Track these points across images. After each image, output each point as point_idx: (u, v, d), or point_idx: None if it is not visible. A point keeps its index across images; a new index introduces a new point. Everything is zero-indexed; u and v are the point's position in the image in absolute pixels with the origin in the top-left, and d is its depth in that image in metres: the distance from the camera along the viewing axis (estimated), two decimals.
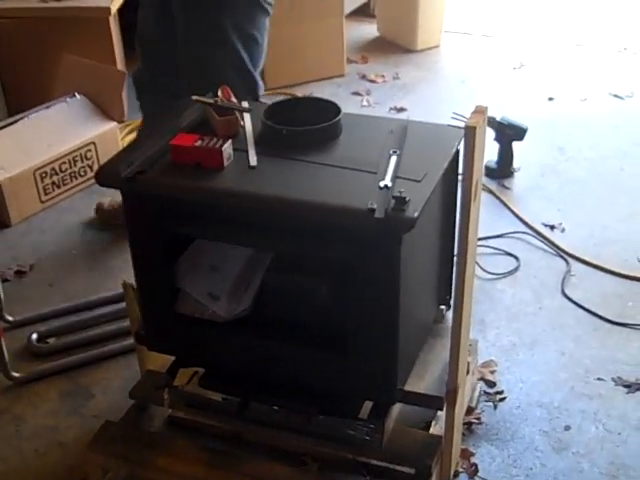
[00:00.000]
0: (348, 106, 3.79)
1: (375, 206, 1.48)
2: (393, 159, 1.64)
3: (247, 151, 1.70)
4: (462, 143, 1.52)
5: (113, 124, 3.26)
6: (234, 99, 1.87)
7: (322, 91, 3.90)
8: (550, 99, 3.80)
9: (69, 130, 3.17)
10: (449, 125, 1.79)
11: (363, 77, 4.08)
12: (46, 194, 3.07)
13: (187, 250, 1.83)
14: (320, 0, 3.92)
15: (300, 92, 3.87)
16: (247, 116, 1.81)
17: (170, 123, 1.82)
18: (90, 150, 3.17)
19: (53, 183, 3.09)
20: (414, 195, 1.51)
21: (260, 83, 2.49)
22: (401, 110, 3.68)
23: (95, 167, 3.18)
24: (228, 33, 2.34)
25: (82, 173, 3.17)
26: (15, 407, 2.18)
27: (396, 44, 4.41)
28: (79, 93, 3.27)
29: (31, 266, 2.76)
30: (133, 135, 3.32)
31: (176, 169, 1.67)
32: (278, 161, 1.68)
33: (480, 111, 1.54)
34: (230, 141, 1.68)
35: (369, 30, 4.60)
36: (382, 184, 1.55)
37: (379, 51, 4.39)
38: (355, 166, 1.64)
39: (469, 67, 4.21)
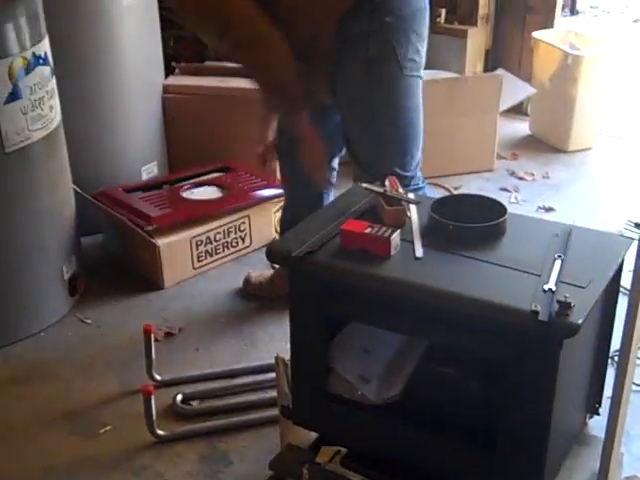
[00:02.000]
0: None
1: (539, 308, 1.50)
2: (557, 263, 1.66)
3: (413, 242, 1.75)
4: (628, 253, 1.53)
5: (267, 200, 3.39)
6: (401, 190, 1.94)
7: (470, 184, 3.95)
8: None
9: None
10: (619, 234, 1.80)
11: (512, 174, 4.11)
12: (199, 261, 3.21)
13: (342, 331, 1.88)
14: (477, 96, 4.00)
15: (448, 183, 3.93)
16: (414, 208, 1.87)
17: (341, 206, 1.90)
18: (244, 222, 3.30)
19: (207, 251, 3.22)
20: (578, 301, 1.52)
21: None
22: (549, 210, 3.68)
23: (247, 239, 3.31)
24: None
25: (234, 244, 3.30)
26: (157, 464, 2.27)
27: (547, 144, 4.43)
28: None
29: (180, 329, 2.88)
30: None
31: (344, 253, 1.74)
32: (443, 254, 1.73)
33: None
34: (399, 231, 1.74)
35: (521, 128, 4.63)
36: (546, 287, 1.57)
37: (530, 149, 4.41)
38: (519, 267, 1.67)
39: (621, 171, 4.17)
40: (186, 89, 3.77)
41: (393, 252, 1.72)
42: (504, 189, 3.93)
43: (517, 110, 4.69)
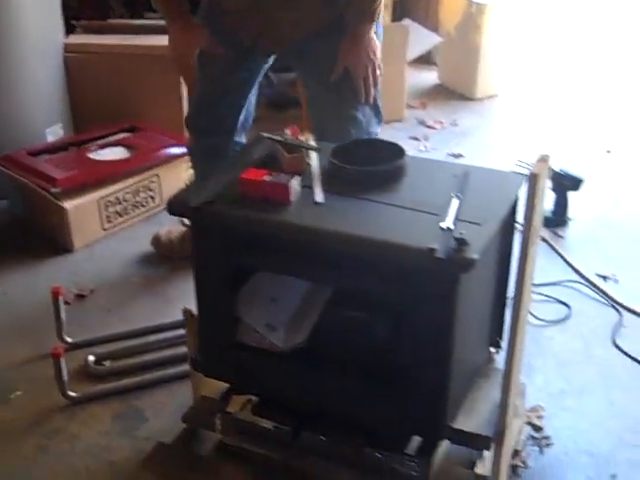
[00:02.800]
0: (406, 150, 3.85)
1: (436, 246, 1.53)
2: (455, 202, 1.69)
3: (313, 188, 1.76)
4: (522, 190, 1.57)
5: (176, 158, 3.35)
6: (302, 137, 1.94)
7: (380, 134, 3.95)
8: (608, 152, 3.82)
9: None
10: (512, 172, 1.84)
11: (421, 123, 4.15)
12: (109, 222, 3.17)
13: (249, 281, 1.89)
14: (384, 46, 4.00)
15: None
16: (314, 154, 1.88)
17: (240, 158, 1.90)
18: (154, 181, 3.27)
19: (116, 212, 3.18)
20: (475, 237, 1.56)
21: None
22: (458, 156, 3.73)
23: (157, 198, 3.28)
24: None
25: (144, 203, 3.26)
26: (70, 426, 2.24)
27: (455, 92, 4.49)
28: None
29: (91, 291, 2.84)
30: None
31: (244, 202, 1.74)
32: (343, 199, 1.74)
33: (543, 159, 1.58)
34: (297, 177, 1.74)
35: (430, 77, 4.68)
36: (444, 226, 1.60)
37: (438, 98, 4.47)
38: (417, 207, 1.70)
39: (527, 117, 4.26)
40: (88, 48, 3.67)
41: (293, 198, 1.72)
42: (414, 138, 3.97)
43: (425, 60, 4.74)
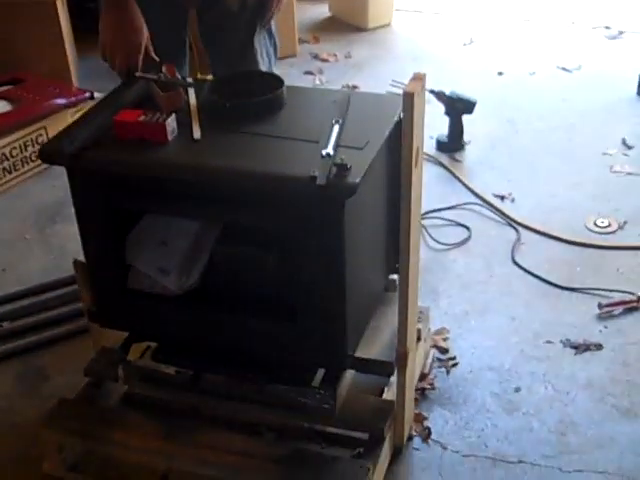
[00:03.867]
0: (301, 85, 3.81)
1: (317, 173, 1.51)
2: (335, 128, 1.66)
3: (191, 125, 1.71)
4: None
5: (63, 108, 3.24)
6: (178, 75, 1.88)
7: (275, 70, 3.90)
8: (500, 74, 3.84)
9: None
10: (388, 93, 1.82)
11: (315, 57, 4.10)
12: None
13: (136, 226, 1.83)
14: None
15: None
16: (191, 91, 1.82)
17: (114, 100, 1.83)
18: (41, 134, 3.16)
19: (4, 169, 3.06)
20: (356, 162, 1.53)
21: None
22: (354, 88, 3.70)
23: None
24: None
25: (34, 158, 3.15)
26: None
27: (348, 23, 4.43)
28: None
29: None
30: None
31: (120, 145, 1.67)
32: (222, 134, 1.70)
33: (418, 78, 1.57)
34: (174, 115, 1.69)
35: (321, 10, 4.61)
36: (324, 152, 1.57)
37: (331, 31, 4.41)
38: (298, 136, 1.66)
39: (420, 44, 4.25)
40: None
41: (170, 137, 1.67)
42: (308, 72, 3.92)
43: None
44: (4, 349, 2.30)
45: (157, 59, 1.91)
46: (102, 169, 1.68)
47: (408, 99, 1.51)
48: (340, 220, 1.56)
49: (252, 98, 1.76)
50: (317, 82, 3.80)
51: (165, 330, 1.85)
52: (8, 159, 3.07)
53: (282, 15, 3.90)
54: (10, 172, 3.09)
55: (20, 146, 3.10)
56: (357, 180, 1.50)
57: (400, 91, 1.58)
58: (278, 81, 1.82)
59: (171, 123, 1.67)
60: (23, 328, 2.39)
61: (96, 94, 3.39)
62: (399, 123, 1.75)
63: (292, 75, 3.87)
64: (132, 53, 1.86)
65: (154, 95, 1.80)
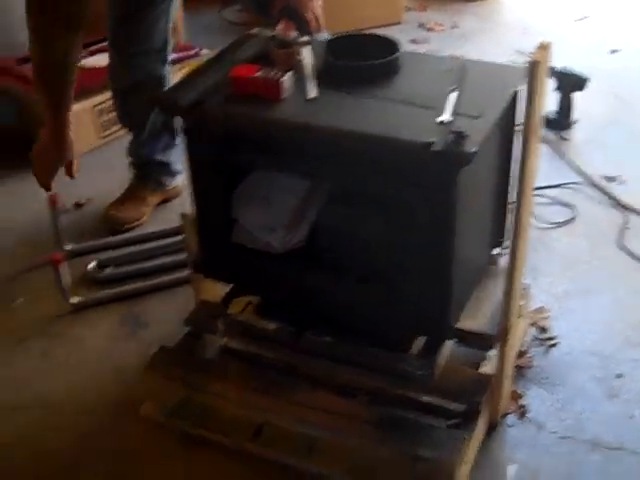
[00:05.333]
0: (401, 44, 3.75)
1: (433, 140, 1.49)
2: (452, 96, 1.63)
3: (306, 84, 1.70)
4: (521, 83, 1.51)
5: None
6: (294, 33, 1.87)
7: None
8: (613, 51, 3.72)
9: None
10: (511, 65, 1.77)
11: (421, 25, 4.05)
12: (104, 130, 3.12)
13: (244, 182, 1.85)
14: None
15: None
16: (306, 50, 1.81)
17: (230, 55, 1.84)
18: None
19: (111, 120, 3.12)
20: (472, 131, 1.50)
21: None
22: None
23: None
24: None
25: None
26: (73, 331, 2.25)
27: None
28: None
29: (88, 199, 2.81)
30: None
31: (235, 99, 1.68)
32: (336, 94, 1.68)
33: (544, 47, 1.52)
34: (289, 73, 1.69)
35: None
36: (440, 119, 1.55)
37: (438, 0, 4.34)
38: (413, 102, 1.64)
39: (530, 18, 4.14)
40: None
41: (285, 95, 1.67)
42: (413, 41, 3.87)
43: None
44: (107, 294, 2.37)
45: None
46: (215, 123, 1.69)
47: (534, 67, 1.47)
48: (453, 188, 1.54)
49: (369, 60, 1.74)
50: (422, 51, 3.74)
51: (268, 286, 1.87)
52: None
53: None
54: (117, 124, 3.13)
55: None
56: (474, 149, 1.47)
57: (521, 61, 1.54)
58: (394, 45, 1.79)
59: (287, 81, 1.67)
60: (126, 274, 2.45)
61: (204, 50, 3.43)
62: (515, 95, 1.73)
63: None
64: (52, 170, 2.27)
65: (270, 52, 1.80)
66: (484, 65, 1.81)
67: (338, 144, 1.58)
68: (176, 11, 2.46)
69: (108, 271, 2.47)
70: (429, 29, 4.01)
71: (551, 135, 3.05)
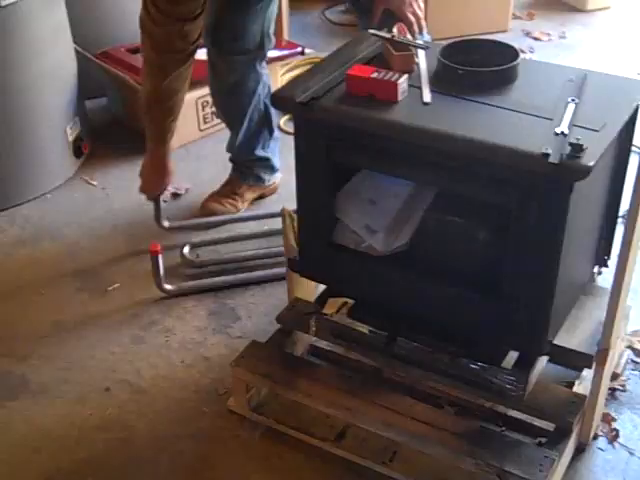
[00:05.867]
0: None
1: (550, 151, 1.46)
2: (571, 107, 1.60)
3: (421, 87, 1.69)
4: None
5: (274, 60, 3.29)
6: (409, 36, 1.87)
7: None
8: None
9: None
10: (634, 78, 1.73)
11: (527, 34, 3.98)
12: (205, 123, 3.16)
13: (349, 182, 1.85)
14: None
15: None
16: (422, 53, 1.80)
17: (346, 54, 1.84)
18: None
19: (213, 113, 3.15)
20: (591, 144, 1.47)
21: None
22: None
23: None
24: None
25: None
26: (166, 319, 2.28)
27: (565, 2, 4.27)
28: None
29: (187, 189, 2.85)
30: (293, 73, 3.35)
31: (350, 99, 1.68)
32: (452, 100, 1.67)
33: None
34: (406, 76, 1.68)
35: None
36: (558, 130, 1.52)
37: (546, 9, 4.26)
38: (531, 111, 1.61)
39: (639, 31, 4.03)
40: None
41: (400, 97, 1.66)
42: (519, 50, 3.79)
43: None
44: (201, 283, 2.40)
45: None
46: (329, 121, 1.69)
47: None
48: (566, 202, 1.51)
49: (486, 67, 1.72)
50: None
51: (365, 288, 1.86)
52: None
53: None
54: (218, 116, 3.17)
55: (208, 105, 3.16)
56: (592, 163, 1.44)
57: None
58: (513, 52, 1.77)
59: (402, 83, 1.66)
60: (218, 262, 2.49)
61: (307, 50, 3.44)
62: (636, 109, 1.68)
63: None
64: (158, 190, 2.50)
65: (386, 54, 1.80)
66: (605, 77, 1.77)
67: (452, 150, 1.56)
68: (273, 14, 2.48)
69: (203, 258, 2.50)
70: (535, 38, 3.94)
71: None
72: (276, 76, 3.28)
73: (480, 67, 1.72)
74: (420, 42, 1.84)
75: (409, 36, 1.88)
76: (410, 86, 1.69)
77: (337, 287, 1.94)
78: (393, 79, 1.65)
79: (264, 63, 2.61)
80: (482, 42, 1.85)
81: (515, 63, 1.72)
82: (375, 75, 1.67)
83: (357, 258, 1.81)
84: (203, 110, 3.13)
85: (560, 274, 1.60)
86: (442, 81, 1.71)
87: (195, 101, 3.09)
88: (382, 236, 1.79)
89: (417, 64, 1.77)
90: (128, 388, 2.06)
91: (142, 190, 2.50)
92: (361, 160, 1.74)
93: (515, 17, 4.09)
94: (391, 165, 1.69)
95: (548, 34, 3.97)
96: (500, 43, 1.82)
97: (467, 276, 1.72)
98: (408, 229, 1.77)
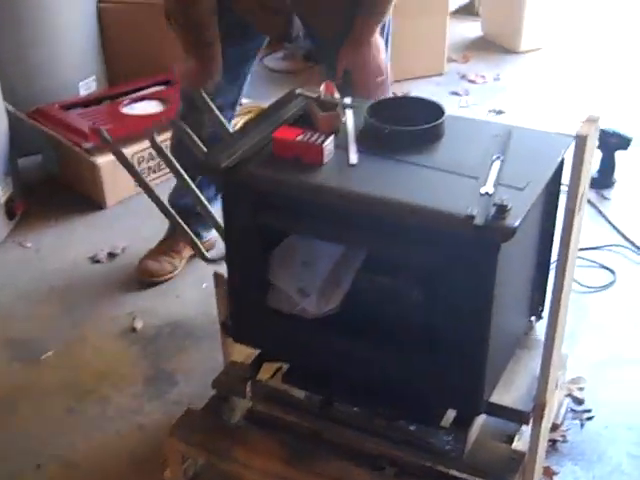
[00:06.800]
0: (446, 106, 3.72)
1: (475, 212, 1.45)
2: (496, 165, 1.60)
3: (348, 148, 1.68)
4: (568, 152, 1.48)
5: None
6: (337, 95, 1.86)
7: (420, 90, 3.85)
8: None
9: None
10: (558, 133, 1.73)
11: (463, 77, 4.02)
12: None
13: (281, 244, 1.82)
14: None
15: (398, 90, 3.82)
16: (350, 113, 1.79)
17: (273, 115, 1.82)
18: None
19: (149, 168, 3.13)
20: (515, 203, 1.47)
21: None
22: (500, 112, 3.62)
23: None
24: None
25: None
26: (101, 387, 2.23)
27: (499, 44, 4.34)
28: None
29: (123, 248, 2.80)
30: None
31: (276, 162, 1.66)
32: (378, 160, 1.66)
33: (592, 120, 1.48)
34: (332, 137, 1.66)
35: (473, 29, 4.53)
36: (483, 191, 1.52)
37: (481, 51, 4.32)
38: (456, 170, 1.61)
39: (573, 71, 4.10)
40: None
41: (326, 159, 1.64)
42: (455, 93, 3.85)
43: (469, 10, 4.61)
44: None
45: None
46: (256, 185, 1.67)
47: (581, 142, 1.43)
48: (493, 263, 1.49)
49: (412, 125, 1.71)
50: (462, 103, 3.72)
51: (299, 353, 1.83)
52: (154, 158, 3.12)
53: (432, 32, 3.89)
54: (155, 172, 3.15)
55: (167, 147, 3.14)
56: (516, 224, 1.44)
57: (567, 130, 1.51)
58: (439, 109, 1.76)
59: (328, 145, 1.64)
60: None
61: (244, 100, 3.42)
62: (561, 164, 1.69)
63: (437, 95, 3.81)
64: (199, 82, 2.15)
65: (312, 114, 1.78)
66: (531, 132, 1.77)
67: (377, 213, 1.55)
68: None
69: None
70: (470, 81, 3.99)
71: (592, 193, 3.00)
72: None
73: (407, 124, 1.72)
74: (347, 101, 1.83)
75: (337, 95, 1.86)
76: (337, 147, 1.68)
77: (271, 351, 1.90)
78: (318, 142, 1.64)
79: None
80: (409, 99, 1.86)
81: (440, 121, 1.72)
82: (300, 138, 1.65)
83: (290, 321, 1.78)
84: (140, 166, 3.09)
85: (492, 333, 1.59)
86: (369, 140, 1.70)
87: (130, 157, 3.05)
88: (315, 298, 1.76)
89: (344, 123, 1.76)
90: (61, 463, 2.00)
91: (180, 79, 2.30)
92: (289, 224, 1.72)
93: (451, 60, 4.14)
94: (319, 229, 1.67)
95: (483, 76, 4.02)
96: (427, 101, 1.82)
97: (400, 337, 1.70)
98: (341, 290, 1.74)
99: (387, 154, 1.67)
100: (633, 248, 2.71)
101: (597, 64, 4.16)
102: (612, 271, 2.60)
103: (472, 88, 3.92)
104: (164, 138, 2.94)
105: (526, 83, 3.98)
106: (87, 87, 3.47)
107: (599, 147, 3.01)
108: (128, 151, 3.03)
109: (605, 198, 3.00)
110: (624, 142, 2.98)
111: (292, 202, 1.65)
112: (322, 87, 1.86)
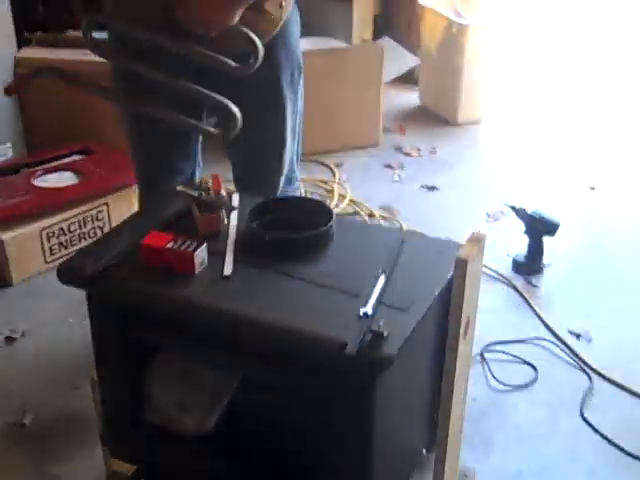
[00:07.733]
0: (379, 180, 3.67)
1: (348, 340, 1.32)
2: (380, 280, 1.47)
3: (224, 257, 1.55)
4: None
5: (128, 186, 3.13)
6: (224, 192, 1.73)
7: (354, 161, 3.77)
8: (592, 188, 3.58)
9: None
10: (452, 241, 1.61)
11: (398, 149, 3.93)
12: (52, 254, 2.96)
13: (158, 357, 1.67)
14: (359, 67, 3.79)
15: (331, 161, 3.74)
16: (233, 216, 1.67)
17: (151, 215, 1.69)
18: (102, 211, 3.06)
19: (60, 244, 2.97)
20: (395, 328, 1.35)
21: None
22: (433, 189, 3.52)
23: (106, 229, 3.06)
24: None
25: (92, 234, 3.04)
26: None
27: (437, 115, 4.26)
28: None
29: (23, 332, 2.63)
30: None
31: (145, 271, 1.53)
32: (255, 271, 1.53)
33: (476, 239, 1.37)
34: (205, 245, 1.53)
35: (411, 99, 4.46)
36: (362, 312, 1.39)
37: (419, 122, 4.24)
38: (338, 285, 1.49)
39: (508, 147, 4.02)
40: (41, 62, 3.44)
41: (198, 269, 1.51)
42: (388, 166, 3.75)
43: (407, 80, 4.54)
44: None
45: None
46: (121, 297, 1.53)
47: (461, 266, 1.31)
48: (370, 392, 1.37)
49: (297, 230, 1.59)
50: (396, 178, 3.61)
51: (175, 471, 1.68)
52: (65, 234, 2.97)
53: (367, 101, 3.80)
54: (66, 247, 2.99)
55: (79, 222, 3.01)
56: (393, 352, 1.31)
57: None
58: (327, 212, 1.65)
59: (200, 254, 1.52)
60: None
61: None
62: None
63: (372, 167, 3.73)
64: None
65: (193, 214, 1.66)
66: (424, 240, 1.67)
67: (246, 334, 1.41)
68: None
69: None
70: (406, 153, 3.89)
71: (519, 280, 2.90)
72: (131, 203, 3.11)
73: (293, 229, 1.59)
74: (232, 201, 1.70)
75: (224, 192, 1.73)
76: (214, 254, 1.55)
77: (147, 469, 1.74)
78: (190, 249, 1.51)
79: None
80: (295, 200, 1.74)
81: (327, 227, 1.60)
82: (171, 245, 1.52)
83: (165, 439, 1.63)
84: (49, 241, 2.94)
85: (376, 459, 1.46)
86: (248, 247, 1.58)
87: (39, 232, 2.90)
88: (191, 415, 1.61)
89: (226, 227, 1.64)
90: None
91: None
92: (155, 339, 1.58)
93: (387, 130, 4.04)
94: (186, 346, 1.53)
95: (418, 149, 3.93)
96: (314, 201, 1.71)
97: (279, 461, 1.56)
98: (217, 410, 1.60)
99: (266, 264, 1.54)
100: (557, 342, 2.59)
101: (535, 139, 4.10)
102: (534, 367, 2.48)
103: (407, 161, 3.82)
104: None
105: (462, 157, 3.89)
106: (2, 154, 3.33)
107: (526, 232, 2.92)
108: (36, 226, 2.90)
109: (533, 285, 2.89)
110: (551, 228, 2.88)
111: (160, 316, 1.51)
112: (209, 180, 1.73)
